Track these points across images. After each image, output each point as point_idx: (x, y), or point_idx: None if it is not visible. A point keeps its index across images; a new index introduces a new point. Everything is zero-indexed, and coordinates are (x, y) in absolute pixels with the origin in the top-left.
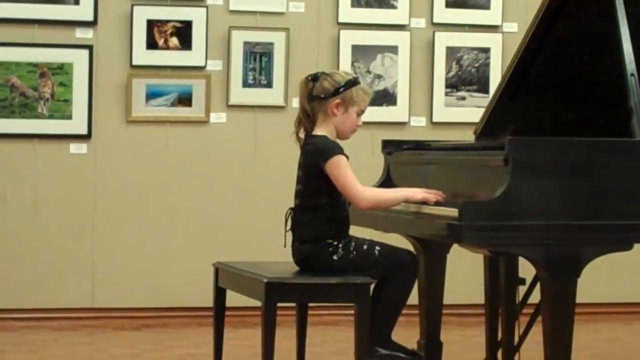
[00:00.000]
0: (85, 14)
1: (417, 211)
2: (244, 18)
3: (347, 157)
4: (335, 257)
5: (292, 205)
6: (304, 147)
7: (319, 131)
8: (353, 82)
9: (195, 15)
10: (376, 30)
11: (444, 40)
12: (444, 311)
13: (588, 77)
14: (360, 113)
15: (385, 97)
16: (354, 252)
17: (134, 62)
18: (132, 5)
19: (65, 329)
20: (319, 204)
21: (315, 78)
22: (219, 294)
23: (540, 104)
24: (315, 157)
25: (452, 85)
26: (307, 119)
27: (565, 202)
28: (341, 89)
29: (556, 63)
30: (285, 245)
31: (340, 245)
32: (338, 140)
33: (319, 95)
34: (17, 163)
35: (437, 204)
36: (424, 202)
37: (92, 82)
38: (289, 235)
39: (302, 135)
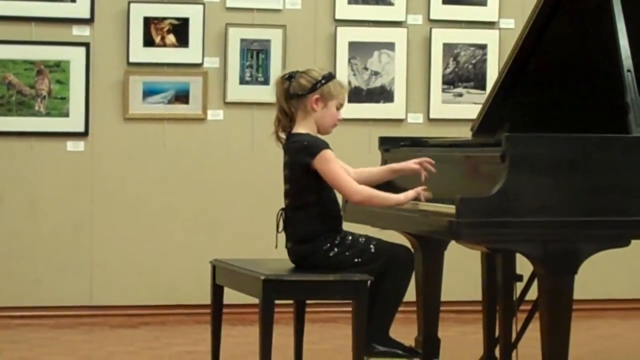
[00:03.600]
0: (82, 11)
1: (414, 208)
2: (241, 15)
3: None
4: (331, 254)
5: (282, 206)
6: (287, 147)
7: (300, 129)
8: (329, 77)
9: (192, 12)
10: (373, 27)
11: (441, 36)
12: (442, 308)
13: (585, 73)
14: (339, 107)
15: (382, 94)
16: (350, 248)
17: (131, 60)
18: (129, 3)
19: (63, 327)
20: (309, 202)
21: (290, 77)
22: (217, 291)
23: (537, 100)
24: (302, 154)
25: (449, 81)
26: (285, 118)
27: (563, 199)
28: (318, 84)
29: (553, 59)
30: (276, 247)
31: (336, 241)
32: (320, 136)
33: (297, 92)
34: (14, 161)
35: (427, 199)
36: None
37: (89, 80)
38: (282, 236)
39: (282, 134)
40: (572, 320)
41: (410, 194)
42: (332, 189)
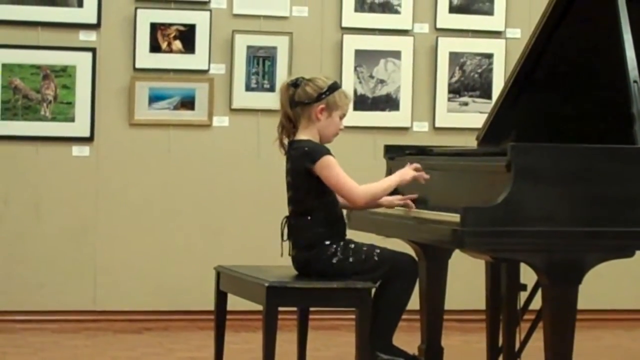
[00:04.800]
0: (88, 16)
1: (418, 217)
2: (248, 22)
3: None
4: (334, 260)
5: (287, 213)
6: (289, 153)
7: (302, 136)
8: (335, 87)
9: (198, 18)
10: (379, 35)
11: (447, 45)
12: (445, 316)
13: (591, 83)
14: (342, 117)
15: (388, 102)
16: (353, 255)
17: (137, 65)
18: (136, 9)
19: (67, 331)
20: (312, 207)
21: (296, 84)
22: (220, 297)
23: (543, 110)
24: (303, 160)
25: (455, 90)
26: (289, 124)
27: (567, 209)
28: (324, 94)
29: (559, 69)
30: (282, 255)
31: (339, 247)
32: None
33: (302, 100)
34: (19, 165)
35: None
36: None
37: (95, 85)
38: (287, 244)
39: (285, 141)
40: (576, 330)
41: (408, 174)
42: (334, 194)
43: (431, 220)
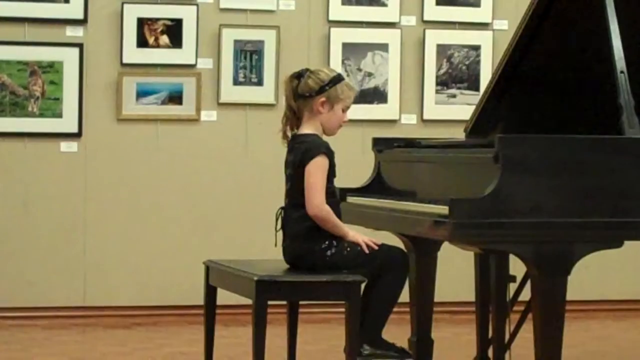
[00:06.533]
0: (75, 12)
1: (407, 209)
2: (235, 16)
3: (331, 156)
4: (328, 254)
5: (282, 204)
6: (293, 146)
7: (307, 129)
8: (337, 79)
9: (185, 13)
10: (367, 28)
11: (435, 37)
12: (435, 308)
13: (578, 74)
14: (345, 109)
15: (376, 95)
16: (348, 249)
17: (125, 61)
18: (123, 4)
19: (56, 328)
20: None
21: (299, 76)
22: (210, 292)
23: (530, 101)
24: (304, 155)
25: (443, 82)
26: (293, 116)
27: (556, 200)
28: (326, 87)
29: (546, 60)
30: (275, 245)
31: (334, 241)
32: (325, 137)
33: (304, 93)
34: (7, 162)
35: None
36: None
37: (82, 81)
38: (279, 235)
39: (289, 133)
40: (565, 321)
41: (358, 237)
42: (333, 189)
43: (420, 212)
